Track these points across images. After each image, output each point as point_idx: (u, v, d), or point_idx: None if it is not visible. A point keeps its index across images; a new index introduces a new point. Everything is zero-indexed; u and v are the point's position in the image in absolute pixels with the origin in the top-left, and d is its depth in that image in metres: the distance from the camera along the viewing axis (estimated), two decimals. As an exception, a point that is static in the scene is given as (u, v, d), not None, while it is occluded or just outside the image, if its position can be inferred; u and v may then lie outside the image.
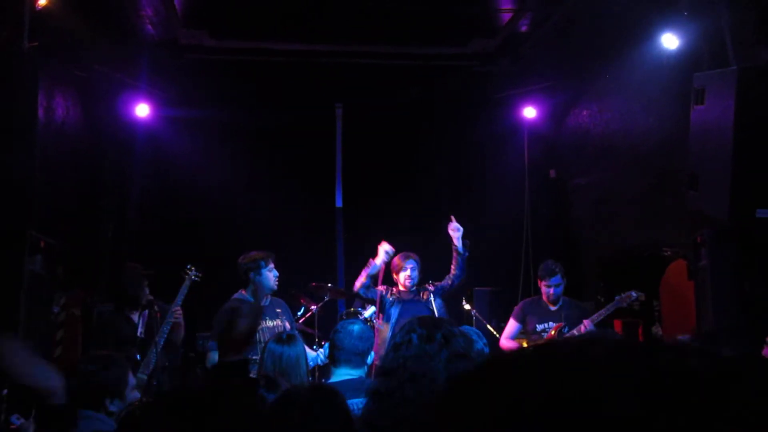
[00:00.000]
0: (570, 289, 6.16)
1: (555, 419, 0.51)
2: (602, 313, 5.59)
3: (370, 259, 5.78)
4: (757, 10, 4.34)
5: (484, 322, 6.31)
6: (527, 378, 0.55)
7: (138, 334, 5.39)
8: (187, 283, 5.52)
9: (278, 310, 5.43)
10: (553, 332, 5.62)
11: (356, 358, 3.25)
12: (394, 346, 1.87)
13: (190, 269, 5.63)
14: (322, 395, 1.93)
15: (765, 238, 4.51)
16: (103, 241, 7.18)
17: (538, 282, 5.82)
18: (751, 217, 4.37)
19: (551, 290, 5.62)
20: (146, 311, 5.43)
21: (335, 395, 1.95)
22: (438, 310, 5.49)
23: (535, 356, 0.58)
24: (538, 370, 0.56)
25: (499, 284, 7.50)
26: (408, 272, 5.69)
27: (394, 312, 5.66)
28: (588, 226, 7.28)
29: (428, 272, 5.93)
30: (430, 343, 1.91)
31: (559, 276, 5.63)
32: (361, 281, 5.78)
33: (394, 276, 5.77)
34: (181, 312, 5.45)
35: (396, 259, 5.74)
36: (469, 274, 6.03)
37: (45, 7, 4.53)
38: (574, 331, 5.48)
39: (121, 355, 3.47)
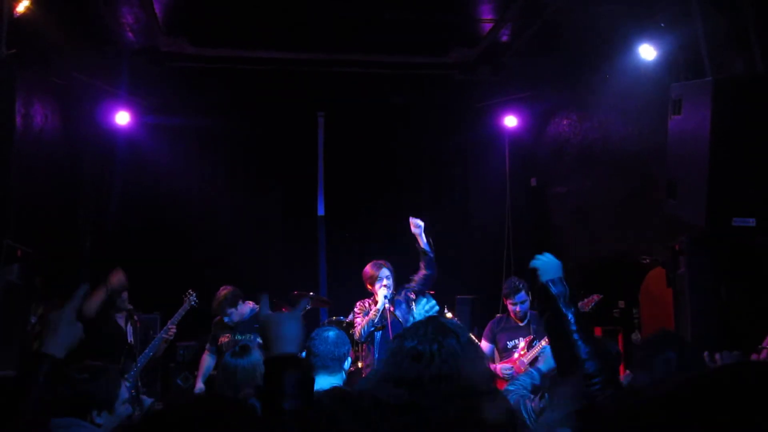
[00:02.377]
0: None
1: None
2: None
3: (371, 304, 5.43)
4: (731, 22, 4.42)
5: (464, 326, 6.31)
6: None
7: (129, 341, 5.45)
8: (185, 306, 5.86)
9: (256, 326, 5.43)
10: (523, 344, 5.65)
11: (333, 363, 3.26)
12: (417, 355, 1.81)
13: (190, 294, 5.95)
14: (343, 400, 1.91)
15: (741, 246, 4.57)
16: (82, 250, 7.09)
17: (504, 300, 5.78)
18: (727, 225, 4.43)
19: (517, 308, 5.61)
20: (129, 321, 5.46)
21: (359, 400, 1.93)
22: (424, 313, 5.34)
23: None
24: None
25: (481, 292, 7.53)
26: (384, 282, 5.38)
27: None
28: (568, 234, 7.33)
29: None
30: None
31: (523, 293, 5.63)
32: (361, 328, 5.42)
33: (369, 287, 5.47)
34: (174, 331, 5.74)
35: (369, 269, 5.47)
36: (447, 281, 6.01)
37: (23, 15, 4.48)
38: (542, 342, 5.48)
39: (115, 367, 3.42)
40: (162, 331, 5.68)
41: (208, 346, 5.88)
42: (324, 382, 3.25)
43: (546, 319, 2.05)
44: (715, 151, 4.44)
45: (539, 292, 2.04)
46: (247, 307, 5.72)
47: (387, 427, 1.65)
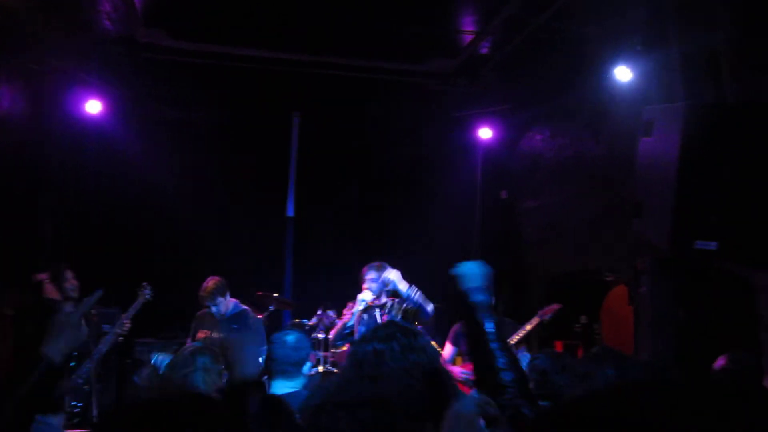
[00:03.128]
0: (516, 310, 6.29)
1: None
2: (525, 328, 5.67)
3: (350, 303, 5.35)
4: (704, 48, 4.54)
5: (429, 338, 6.33)
6: None
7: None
8: (140, 300, 5.62)
9: (234, 326, 5.37)
10: None
11: (291, 368, 3.20)
12: (377, 353, 1.84)
13: (145, 287, 5.70)
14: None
15: (702, 269, 4.68)
16: (42, 240, 6.92)
17: None
18: (690, 247, 4.53)
19: None
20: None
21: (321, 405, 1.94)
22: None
23: None
24: None
25: (446, 301, 7.56)
26: (366, 285, 5.26)
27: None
28: (536, 248, 7.42)
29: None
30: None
31: None
32: (336, 330, 5.36)
33: (363, 287, 5.35)
34: (129, 326, 5.52)
35: (364, 268, 5.37)
36: (419, 288, 6.01)
37: (-3, -4, 4.37)
38: None
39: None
40: (116, 326, 5.43)
41: (189, 342, 5.60)
42: (282, 387, 3.21)
43: (466, 327, 2.07)
44: (682, 175, 4.55)
45: (460, 299, 2.06)
46: (231, 302, 5.57)
47: (352, 422, 1.67)
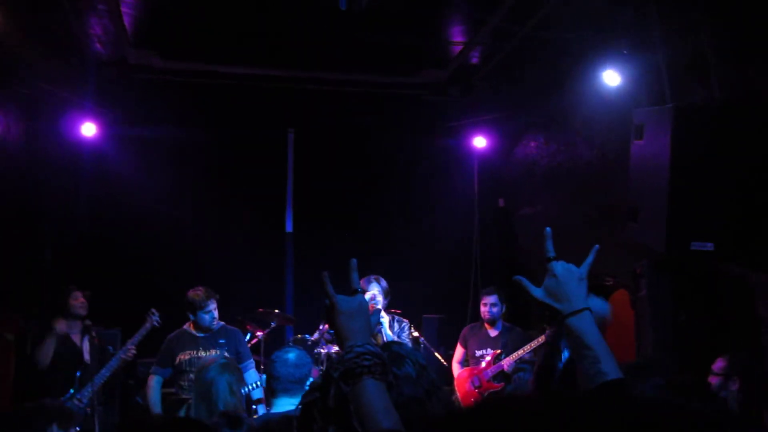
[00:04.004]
0: (517, 317, 6.26)
1: None
2: (533, 344, 5.62)
3: None
4: (691, 48, 4.54)
5: (432, 349, 6.32)
6: None
7: (85, 359, 5.30)
8: (147, 326, 5.55)
9: (221, 341, 5.29)
10: (489, 358, 5.75)
11: (294, 386, 3.20)
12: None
13: (153, 313, 5.63)
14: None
15: (699, 270, 4.65)
16: (42, 264, 6.93)
17: (480, 300, 5.99)
18: (686, 249, 4.51)
19: (487, 308, 5.83)
20: (86, 336, 5.34)
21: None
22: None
23: None
24: None
25: (448, 312, 7.54)
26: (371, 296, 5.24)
27: None
28: (535, 255, 7.39)
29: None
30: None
31: (496, 296, 5.81)
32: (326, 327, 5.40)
33: None
34: (134, 352, 5.46)
35: (361, 283, 5.48)
36: (414, 300, 6.04)
37: (-15, 23, 4.41)
38: (509, 359, 5.61)
39: (53, 405, 3.30)
40: (121, 351, 5.40)
41: (154, 368, 5.31)
42: (286, 404, 3.20)
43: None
44: (674, 177, 4.54)
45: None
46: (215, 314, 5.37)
47: None
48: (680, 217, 4.54)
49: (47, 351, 5.22)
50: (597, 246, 1.67)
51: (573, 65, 5.75)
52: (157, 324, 5.61)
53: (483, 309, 5.91)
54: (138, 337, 5.50)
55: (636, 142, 4.88)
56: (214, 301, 5.29)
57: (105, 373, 5.25)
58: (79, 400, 5.14)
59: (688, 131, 4.49)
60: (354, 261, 1.68)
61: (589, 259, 1.65)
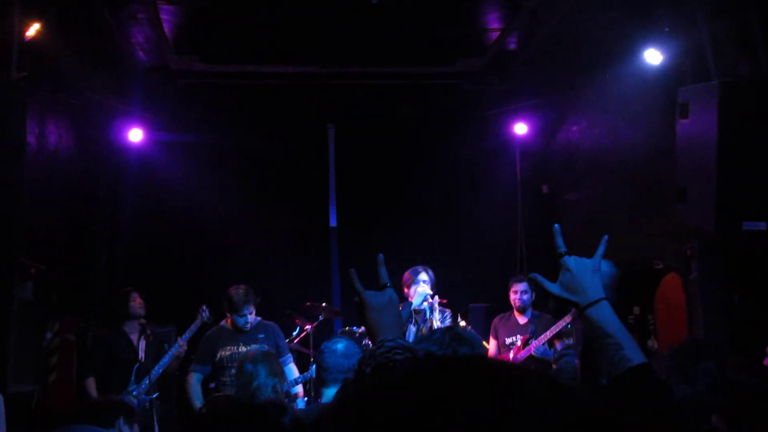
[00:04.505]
0: (565, 307, 6.20)
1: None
2: (559, 324, 5.61)
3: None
4: (735, 24, 4.40)
5: (479, 338, 6.32)
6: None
7: (139, 357, 5.47)
8: (198, 322, 5.63)
9: (260, 336, 5.37)
10: (519, 343, 5.76)
11: (342, 376, 3.22)
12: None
13: (204, 310, 5.73)
14: None
15: (751, 251, 4.52)
16: (97, 266, 7.19)
17: (509, 290, 5.96)
18: (737, 229, 4.39)
19: (517, 296, 5.84)
20: (143, 335, 5.51)
21: None
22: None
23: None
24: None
25: (494, 300, 7.50)
26: (421, 284, 5.37)
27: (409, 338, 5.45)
28: (580, 241, 7.25)
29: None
30: None
31: (527, 284, 5.80)
32: None
33: (405, 290, 5.49)
34: (185, 348, 5.55)
35: (406, 274, 5.53)
36: (459, 289, 6.05)
37: (34, 38, 4.59)
38: (537, 342, 5.63)
39: (119, 400, 3.43)
40: (173, 347, 5.52)
41: (193, 365, 5.38)
42: (334, 395, 3.24)
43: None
44: (722, 155, 4.42)
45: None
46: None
47: None
48: (730, 197, 4.42)
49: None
50: (606, 236, 1.67)
51: (613, 46, 5.63)
52: (207, 319, 5.69)
53: (513, 297, 5.89)
54: (189, 333, 5.60)
55: (681, 122, 4.76)
56: (252, 307, 5.31)
57: (159, 369, 5.40)
58: (137, 397, 5.32)
59: (736, 108, 4.36)
60: (381, 256, 1.71)
61: (600, 249, 1.66)
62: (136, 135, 7.35)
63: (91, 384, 5.31)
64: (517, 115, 7.84)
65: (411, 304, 5.34)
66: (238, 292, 5.28)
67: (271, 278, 7.45)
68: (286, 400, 4.14)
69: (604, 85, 6.19)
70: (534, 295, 5.91)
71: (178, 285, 7.20)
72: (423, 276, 5.49)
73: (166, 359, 5.44)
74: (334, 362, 3.27)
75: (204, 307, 5.77)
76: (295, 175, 8.02)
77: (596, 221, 6.86)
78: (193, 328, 5.61)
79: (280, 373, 3.73)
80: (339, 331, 6.72)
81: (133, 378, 5.37)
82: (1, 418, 2.09)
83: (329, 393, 3.30)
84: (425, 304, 5.41)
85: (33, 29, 4.49)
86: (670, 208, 5.04)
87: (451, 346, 1.81)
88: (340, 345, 3.36)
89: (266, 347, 5.11)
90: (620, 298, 5.87)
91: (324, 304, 6.70)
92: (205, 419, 1.07)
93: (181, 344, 5.54)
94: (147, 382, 5.29)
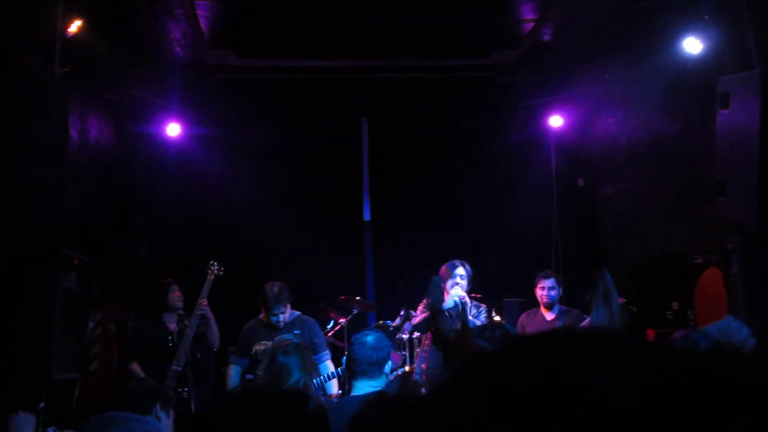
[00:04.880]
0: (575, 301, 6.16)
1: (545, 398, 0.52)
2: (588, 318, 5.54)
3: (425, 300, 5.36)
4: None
5: (514, 333, 6.30)
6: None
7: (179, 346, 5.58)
8: (210, 277, 5.79)
9: (296, 332, 5.40)
10: None
11: (372, 368, 3.23)
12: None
13: (213, 264, 5.88)
14: None
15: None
16: (136, 259, 7.35)
17: (535, 287, 5.84)
18: (780, 222, 4.28)
19: (545, 292, 5.72)
20: (180, 326, 5.63)
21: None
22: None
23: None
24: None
25: (528, 295, 7.44)
26: (457, 280, 5.38)
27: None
28: (617, 235, 7.18)
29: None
30: None
31: (554, 280, 5.71)
32: (419, 320, 5.44)
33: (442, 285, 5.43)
34: (206, 304, 5.68)
35: (443, 268, 5.53)
36: (494, 284, 6.01)
37: (76, 34, 4.71)
38: None
39: (157, 386, 3.50)
40: (195, 308, 5.62)
41: (232, 357, 5.52)
42: (365, 387, 3.25)
43: None
44: (765, 146, 4.30)
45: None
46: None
47: None
48: (772, 189, 4.30)
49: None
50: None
51: (650, 35, 5.52)
52: (219, 273, 5.84)
53: (540, 293, 5.79)
54: (205, 290, 5.74)
55: (722, 112, 4.65)
56: (284, 307, 5.28)
57: (191, 333, 5.51)
58: (176, 364, 5.40)
59: (779, 97, 4.24)
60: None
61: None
62: (173, 130, 7.48)
63: (136, 367, 5.49)
64: (552, 107, 7.74)
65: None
66: (272, 289, 5.27)
67: (305, 272, 7.52)
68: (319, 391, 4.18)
69: (641, 75, 6.07)
70: (561, 290, 5.83)
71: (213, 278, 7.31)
72: (460, 270, 5.49)
73: (193, 322, 5.57)
74: (364, 354, 3.28)
75: (212, 262, 5.90)
76: (329, 169, 8.07)
77: (633, 215, 6.75)
78: (207, 284, 5.78)
79: (311, 369, 3.74)
80: (373, 325, 6.75)
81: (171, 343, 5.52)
82: None
83: (359, 385, 3.31)
84: (456, 299, 5.40)
85: (75, 25, 4.61)
86: (709, 201, 4.93)
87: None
88: (370, 337, 3.37)
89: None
90: (658, 293, 5.78)
91: (358, 298, 6.75)
92: (229, 401, 1.11)
93: (200, 302, 5.66)
94: (183, 351, 5.42)
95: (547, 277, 5.79)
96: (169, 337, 5.59)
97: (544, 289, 5.77)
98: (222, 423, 1.13)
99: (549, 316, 5.83)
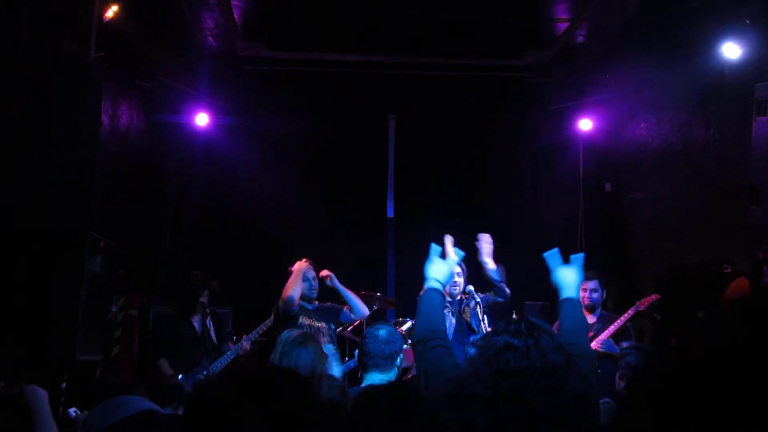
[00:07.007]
0: (626, 305, 6.02)
1: None
2: (621, 319, 5.43)
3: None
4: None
5: (550, 327, 6.21)
6: None
7: (213, 338, 5.55)
8: (267, 322, 5.45)
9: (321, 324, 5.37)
10: None
11: (384, 361, 3.25)
12: (513, 349, 1.77)
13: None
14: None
15: (831, 256, 4.29)
16: (162, 246, 7.41)
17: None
18: (816, 233, 4.18)
19: (586, 294, 5.56)
20: (207, 317, 5.58)
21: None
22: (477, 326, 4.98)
23: None
24: None
25: (551, 298, 7.37)
26: (455, 278, 5.20)
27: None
28: (644, 241, 7.07)
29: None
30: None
31: (597, 282, 5.56)
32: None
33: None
34: (249, 348, 5.44)
35: None
36: (517, 286, 5.89)
37: (111, 20, 4.74)
38: (598, 339, 5.43)
39: (174, 383, 3.49)
40: (237, 346, 5.47)
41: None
42: (376, 379, 3.25)
43: None
44: (803, 155, 4.21)
45: None
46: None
47: (486, 419, 1.62)
48: (809, 199, 4.21)
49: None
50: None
51: (687, 39, 5.41)
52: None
53: (583, 294, 5.61)
54: (256, 332, 5.50)
55: (759, 119, 4.55)
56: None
57: (217, 365, 5.33)
58: (200, 374, 5.40)
59: (819, 105, 4.15)
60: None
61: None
62: (202, 119, 7.53)
63: (164, 363, 5.38)
64: (582, 110, 7.65)
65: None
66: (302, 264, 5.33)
67: (327, 266, 7.51)
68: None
69: (676, 80, 5.96)
70: (605, 293, 5.68)
71: (237, 268, 7.35)
72: (456, 269, 5.34)
73: (229, 354, 5.39)
74: (376, 348, 3.29)
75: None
76: (355, 164, 8.06)
77: (662, 221, 6.64)
78: (262, 327, 5.48)
79: (322, 357, 3.74)
80: (393, 322, 6.73)
81: (204, 360, 5.45)
82: (46, 413, 2.10)
83: (370, 378, 3.31)
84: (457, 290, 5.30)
85: (111, 11, 4.64)
86: (743, 209, 4.83)
87: (532, 336, 1.76)
88: (383, 331, 3.38)
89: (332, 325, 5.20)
90: (684, 301, 5.67)
91: (378, 294, 6.73)
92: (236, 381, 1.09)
93: (244, 345, 5.44)
94: (205, 372, 5.31)
95: (590, 279, 5.59)
96: (193, 334, 5.51)
97: (587, 291, 5.60)
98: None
99: (590, 318, 5.64)
